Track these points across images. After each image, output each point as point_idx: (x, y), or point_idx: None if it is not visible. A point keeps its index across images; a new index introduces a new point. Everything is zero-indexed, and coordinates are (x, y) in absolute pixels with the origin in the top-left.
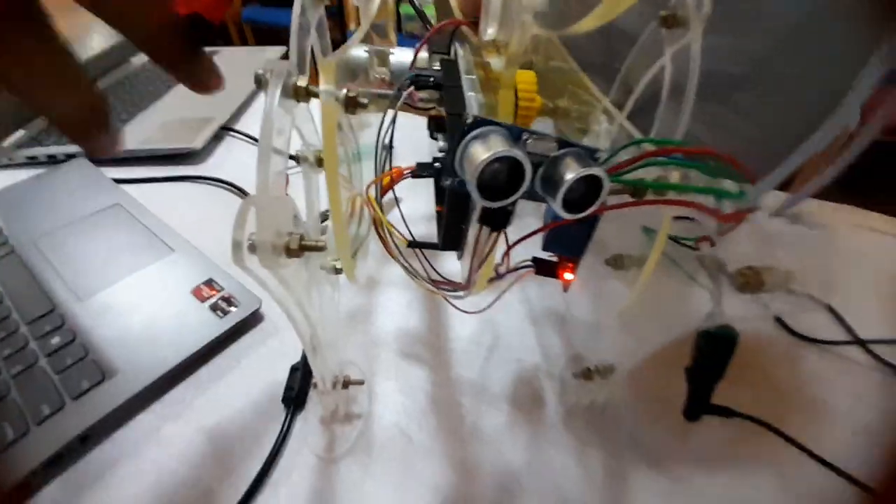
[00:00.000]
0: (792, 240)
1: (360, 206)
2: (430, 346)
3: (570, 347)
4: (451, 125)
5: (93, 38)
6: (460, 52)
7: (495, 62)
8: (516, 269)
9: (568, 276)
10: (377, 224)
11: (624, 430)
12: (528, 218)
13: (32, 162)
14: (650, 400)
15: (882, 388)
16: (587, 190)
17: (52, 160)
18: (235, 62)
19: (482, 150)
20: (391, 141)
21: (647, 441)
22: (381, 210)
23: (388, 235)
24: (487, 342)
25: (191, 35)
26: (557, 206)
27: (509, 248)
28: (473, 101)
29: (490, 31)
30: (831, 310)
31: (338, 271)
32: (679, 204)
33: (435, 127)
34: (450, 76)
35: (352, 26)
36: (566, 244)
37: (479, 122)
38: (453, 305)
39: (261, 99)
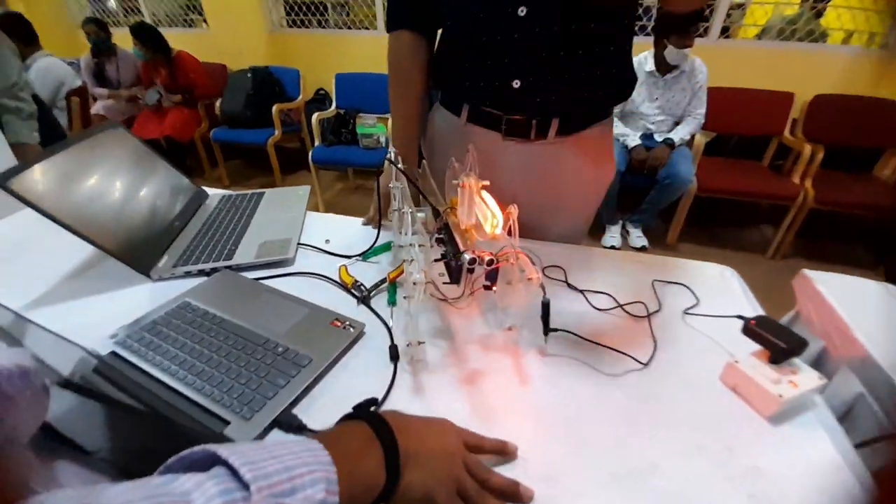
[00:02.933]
0: (592, 266)
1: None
2: (443, 328)
3: (501, 319)
4: (454, 248)
5: (180, 191)
6: (448, 219)
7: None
8: (477, 289)
9: (494, 289)
10: (429, 278)
11: (529, 344)
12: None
13: (189, 274)
14: (534, 334)
15: (626, 323)
16: (490, 262)
17: (201, 272)
18: (281, 197)
19: (468, 256)
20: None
21: (535, 346)
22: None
23: (431, 282)
24: (467, 322)
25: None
26: (484, 265)
27: (476, 278)
28: (460, 241)
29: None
30: (610, 294)
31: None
32: (509, 263)
33: (439, 241)
34: (448, 230)
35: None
36: (491, 277)
37: (463, 252)
38: (455, 307)
39: (307, 222)
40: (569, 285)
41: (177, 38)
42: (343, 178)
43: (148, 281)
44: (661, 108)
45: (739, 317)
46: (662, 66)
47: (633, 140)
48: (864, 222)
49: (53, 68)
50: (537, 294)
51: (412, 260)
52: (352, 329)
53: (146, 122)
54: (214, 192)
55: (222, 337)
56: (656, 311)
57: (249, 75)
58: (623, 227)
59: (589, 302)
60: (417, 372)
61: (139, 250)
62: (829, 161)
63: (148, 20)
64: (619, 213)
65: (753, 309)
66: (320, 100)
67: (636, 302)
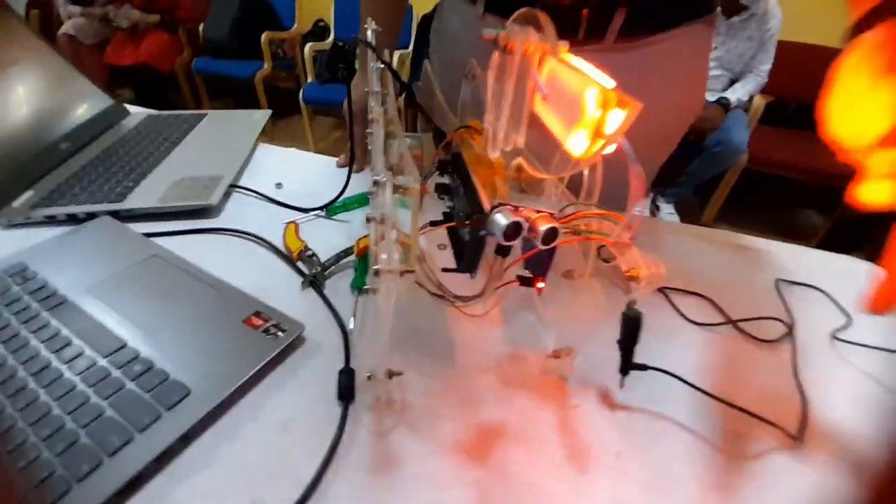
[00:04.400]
0: (677, 254)
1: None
2: (441, 345)
3: (541, 335)
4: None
5: (81, 104)
6: (462, 149)
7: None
8: (505, 283)
9: (540, 285)
10: (420, 259)
11: (587, 384)
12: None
13: (51, 221)
14: (599, 367)
15: (746, 350)
16: (550, 232)
17: (72, 219)
18: (227, 123)
19: (503, 219)
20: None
21: (598, 389)
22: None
23: (423, 263)
24: (482, 337)
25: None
26: (538, 242)
27: (509, 265)
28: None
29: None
30: (712, 301)
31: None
32: (593, 239)
33: (442, 190)
34: (460, 167)
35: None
36: (539, 265)
37: (497, 206)
38: (465, 312)
39: (257, 155)
40: None
41: None
42: (342, 125)
43: None
44: (720, 61)
45: None
46: (729, 5)
47: None
48: None
49: None
50: (615, 299)
51: (380, 220)
52: (279, 333)
53: (120, 46)
54: (138, 111)
55: (46, 337)
56: (786, 333)
57: None
58: (653, 200)
59: (679, 311)
60: (384, 427)
61: None
62: None
63: None
64: (651, 183)
65: None
66: (319, 33)
67: (759, 318)
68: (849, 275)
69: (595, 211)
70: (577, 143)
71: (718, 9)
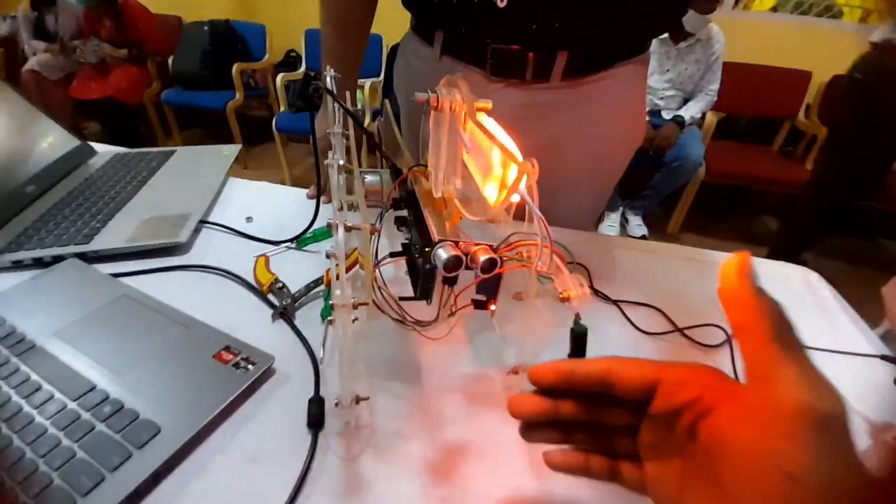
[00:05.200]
0: (630, 269)
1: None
2: (407, 369)
3: (501, 354)
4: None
5: (47, 146)
6: (415, 185)
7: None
8: (461, 307)
9: (493, 307)
10: (379, 288)
11: None
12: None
13: (18, 265)
14: None
15: (691, 356)
16: (489, 263)
17: (39, 262)
18: (196, 159)
19: (444, 253)
20: (379, 236)
21: None
22: (377, 280)
23: (384, 296)
24: (446, 359)
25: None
26: (478, 270)
27: (461, 291)
28: (432, 224)
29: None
30: (661, 311)
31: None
32: (527, 266)
33: (401, 223)
34: (414, 202)
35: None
36: (488, 289)
37: (438, 242)
38: (426, 336)
39: (227, 190)
40: (596, 292)
41: None
42: None
43: None
44: (672, 82)
45: (885, 357)
46: (676, 32)
47: None
48: (881, 216)
49: None
50: (564, 315)
51: (337, 255)
52: (249, 367)
53: (87, 80)
54: (106, 150)
55: (16, 383)
56: (726, 340)
57: (206, 28)
58: (622, 213)
59: (631, 322)
60: (353, 452)
61: None
62: None
63: None
64: (619, 198)
65: (867, 339)
66: (292, 63)
67: (702, 325)
68: (787, 281)
69: (526, 241)
70: (490, 193)
71: (653, 44)
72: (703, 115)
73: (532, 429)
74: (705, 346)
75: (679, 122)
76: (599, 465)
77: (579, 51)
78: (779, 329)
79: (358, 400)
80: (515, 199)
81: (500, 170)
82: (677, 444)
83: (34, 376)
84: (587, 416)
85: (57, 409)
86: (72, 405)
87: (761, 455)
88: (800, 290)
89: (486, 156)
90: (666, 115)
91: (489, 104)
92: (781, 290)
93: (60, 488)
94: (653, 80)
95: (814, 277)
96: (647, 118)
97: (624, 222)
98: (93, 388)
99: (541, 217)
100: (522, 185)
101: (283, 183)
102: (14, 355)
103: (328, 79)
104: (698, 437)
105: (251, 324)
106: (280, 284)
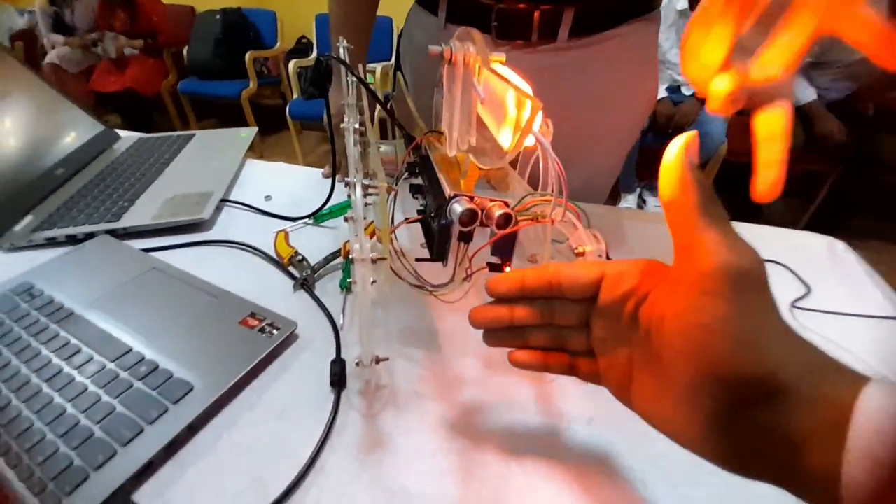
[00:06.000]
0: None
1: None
2: (424, 335)
3: None
4: (437, 198)
5: (73, 131)
6: (430, 151)
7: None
8: (476, 270)
9: (507, 269)
10: (398, 255)
11: None
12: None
13: (52, 242)
14: None
15: None
16: (504, 218)
17: (72, 239)
18: (215, 141)
19: (459, 206)
20: (396, 197)
21: None
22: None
23: (401, 257)
24: (462, 324)
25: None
26: (493, 226)
27: (476, 252)
28: (444, 182)
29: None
30: None
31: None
32: (541, 222)
33: (416, 190)
34: (428, 167)
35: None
36: (503, 250)
37: (454, 196)
38: (441, 300)
39: (246, 171)
40: None
41: None
42: (329, 140)
43: None
44: None
45: None
46: (695, 5)
47: (658, 93)
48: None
49: None
50: None
51: (356, 219)
52: (273, 331)
53: (106, 73)
54: (129, 135)
55: (56, 346)
56: None
57: (219, 17)
58: (639, 195)
59: None
60: (374, 409)
61: None
62: None
63: None
64: (637, 178)
65: (892, 301)
66: (303, 49)
67: None
68: (807, 250)
69: (541, 198)
70: (505, 139)
71: (673, 16)
72: None
73: (492, 334)
74: None
75: (699, 98)
76: (558, 360)
77: (586, 8)
78: (703, 201)
79: (378, 360)
80: (530, 141)
81: (515, 111)
82: (624, 333)
83: (73, 340)
84: (542, 318)
85: (96, 369)
86: (110, 365)
87: (682, 314)
88: (825, 259)
89: (500, 103)
90: (686, 91)
91: (503, 57)
92: (807, 259)
93: (101, 440)
94: (672, 55)
95: (840, 246)
96: (667, 95)
97: (641, 203)
98: (129, 351)
99: (555, 158)
100: (536, 127)
101: None
102: (53, 322)
103: (341, 49)
104: (640, 322)
105: (274, 294)
106: (300, 257)
